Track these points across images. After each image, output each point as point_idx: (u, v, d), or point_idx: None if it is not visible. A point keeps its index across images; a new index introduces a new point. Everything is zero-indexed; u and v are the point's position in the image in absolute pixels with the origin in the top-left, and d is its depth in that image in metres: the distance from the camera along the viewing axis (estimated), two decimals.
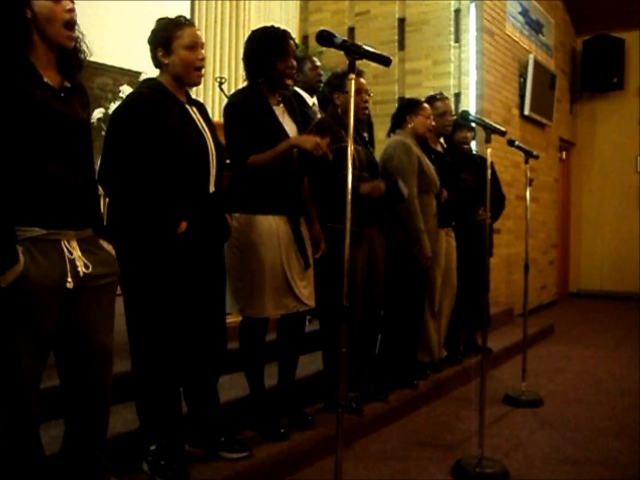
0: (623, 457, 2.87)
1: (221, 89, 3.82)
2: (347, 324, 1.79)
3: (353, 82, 1.78)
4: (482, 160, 3.70)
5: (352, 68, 1.77)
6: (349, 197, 1.79)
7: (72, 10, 1.72)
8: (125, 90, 4.38)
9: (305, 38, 6.57)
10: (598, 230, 8.47)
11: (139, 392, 2.24)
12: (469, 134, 4.22)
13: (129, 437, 2.28)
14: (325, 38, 1.77)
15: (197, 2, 5.63)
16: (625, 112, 8.05)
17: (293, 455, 2.56)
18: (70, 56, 1.78)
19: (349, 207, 1.78)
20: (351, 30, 6.41)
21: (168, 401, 2.24)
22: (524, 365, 3.83)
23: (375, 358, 3.36)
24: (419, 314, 3.60)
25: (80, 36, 1.79)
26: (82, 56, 1.82)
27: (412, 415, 3.37)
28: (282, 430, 2.62)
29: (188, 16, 5.39)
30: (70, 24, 1.72)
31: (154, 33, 2.22)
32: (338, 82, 3.03)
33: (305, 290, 2.63)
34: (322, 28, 1.79)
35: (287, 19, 6.43)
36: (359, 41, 2.18)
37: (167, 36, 2.18)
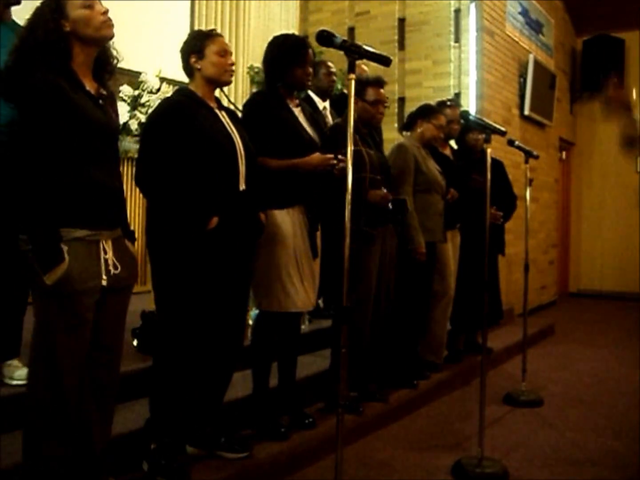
0: (623, 457, 2.88)
1: (221, 89, 3.82)
2: (348, 324, 1.80)
3: (354, 82, 1.79)
4: (493, 161, 3.70)
5: (352, 68, 1.78)
6: (349, 197, 1.80)
7: (106, 12, 1.82)
8: (125, 90, 4.39)
9: (305, 38, 6.55)
10: (598, 230, 8.46)
11: (158, 386, 2.26)
12: (481, 136, 4.21)
13: (129, 437, 2.29)
14: (325, 38, 1.78)
15: (197, 2, 5.63)
16: None
17: (293, 455, 2.56)
18: (103, 62, 1.88)
19: (348, 207, 1.80)
20: (351, 30, 6.40)
21: (185, 397, 2.27)
22: (524, 365, 3.84)
23: (376, 358, 3.36)
24: (422, 314, 3.61)
25: (111, 42, 1.88)
26: (114, 61, 1.92)
27: (412, 415, 3.37)
28: (282, 430, 2.62)
29: (188, 16, 5.44)
30: (107, 23, 1.82)
31: (187, 42, 2.36)
32: (358, 87, 3.03)
33: (310, 289, 2.65)
34: (322, 28, 1.79)
35: (287, 19, 6.43)
36: (359, 41, 2.19)
37: (199, 44, 2.32)
